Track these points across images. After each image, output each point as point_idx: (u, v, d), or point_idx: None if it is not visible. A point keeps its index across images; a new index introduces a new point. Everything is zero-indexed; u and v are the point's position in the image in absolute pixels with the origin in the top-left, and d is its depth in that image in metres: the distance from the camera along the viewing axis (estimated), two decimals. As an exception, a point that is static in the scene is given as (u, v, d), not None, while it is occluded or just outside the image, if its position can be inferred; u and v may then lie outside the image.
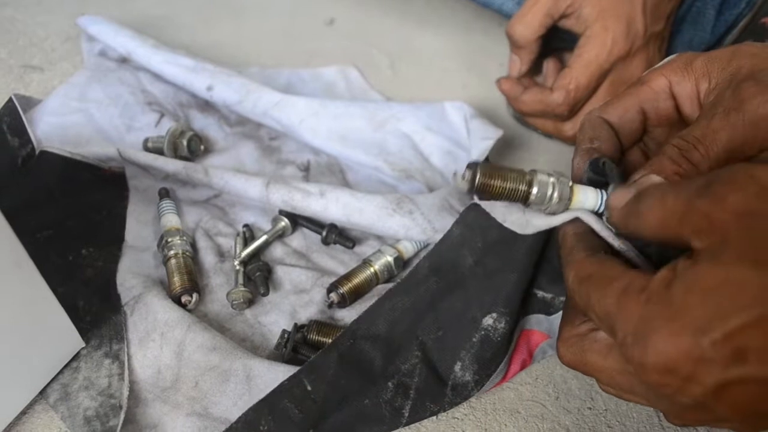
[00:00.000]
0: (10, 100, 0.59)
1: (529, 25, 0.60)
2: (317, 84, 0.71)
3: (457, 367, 0.44)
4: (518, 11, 0.60)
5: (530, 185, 0.38)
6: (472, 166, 0.38)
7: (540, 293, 0.49)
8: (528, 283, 0.45)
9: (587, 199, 0.39)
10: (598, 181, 0.39)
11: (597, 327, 0.37)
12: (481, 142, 0.57)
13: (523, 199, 0.39)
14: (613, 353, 0.35)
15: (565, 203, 0.39)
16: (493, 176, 0.38)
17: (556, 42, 0.64)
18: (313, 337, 0.48)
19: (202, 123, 0.65)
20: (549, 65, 0.65)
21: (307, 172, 0.61)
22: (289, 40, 0.78)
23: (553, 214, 0.40)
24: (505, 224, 0.42)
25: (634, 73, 0.59)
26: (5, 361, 0.40)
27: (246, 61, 0.74)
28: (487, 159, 0.55)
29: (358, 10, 0.83)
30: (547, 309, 0.50)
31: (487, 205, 0.43)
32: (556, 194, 0.38)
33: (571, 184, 0.39)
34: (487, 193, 0.39)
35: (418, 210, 0.53)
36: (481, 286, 0.44)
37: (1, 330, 0.38)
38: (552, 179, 0.38)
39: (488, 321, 0.44)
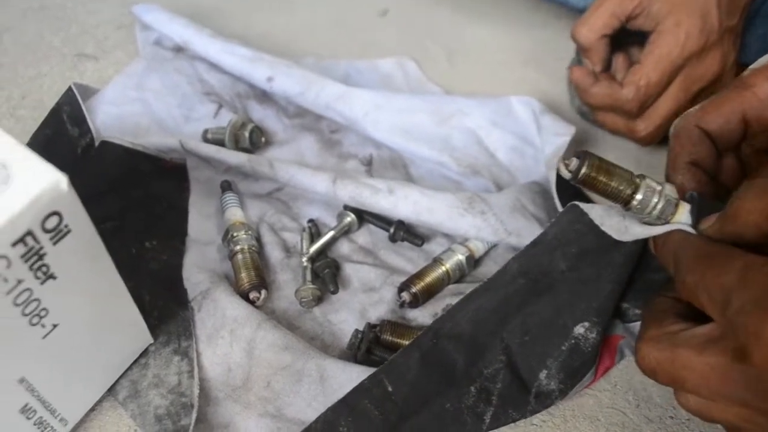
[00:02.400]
0: (70, 89, 0.58)
1: (593, 27, 0.58)
2: (374, 76, 0.69)
3: (543, 374, 0.42)
4: (584, 13, 0.58)
5: (636, 190, 0.37)
6: (582, 155, 0.37)
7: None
8: (621, 293, 0.43)
9: (686, 217, 0.38)
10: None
11: (691, 326, 0.35)
12: (554, 138, 0.55)
13: (624, 202, 0.38)
14: (711, 347, 0.33)
15: (667, 218, 0.37)
16: (600, 170, 0.37)
17: (625, 36, 0.62)
18: (387, 337, 0.46)
19: (261, 114, 0.63)
20: (618, 60, 0.62)
21: (369, 166, 0.59)
22: (343, 31, 0.77)
23: (650, 224, 0.38)
24: (602, 227, 0.40)
25: (708, 69, 0.57)
26: (79, 356, 0.39)
27: (300, 51, 0.72)
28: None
29: (411, 1, 0.81)
30: (622, 317, 0.48)
31: (586, 207, 0.41)
32: (660, 205, 0.37)
33: (677, 198, 0.37)
34: (589, 185, 0.37)
35: (490, 210, 0.51)
36: (574, 294, 0.42)
37: (77, 324, 0.37)
38: (659, 188, 0.37)
39: (579, 330, 0.42)
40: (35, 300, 0.33)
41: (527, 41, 0.77)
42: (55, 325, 0.35)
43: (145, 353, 0.45)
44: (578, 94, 0.60)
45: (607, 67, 0.62)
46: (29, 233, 0.31)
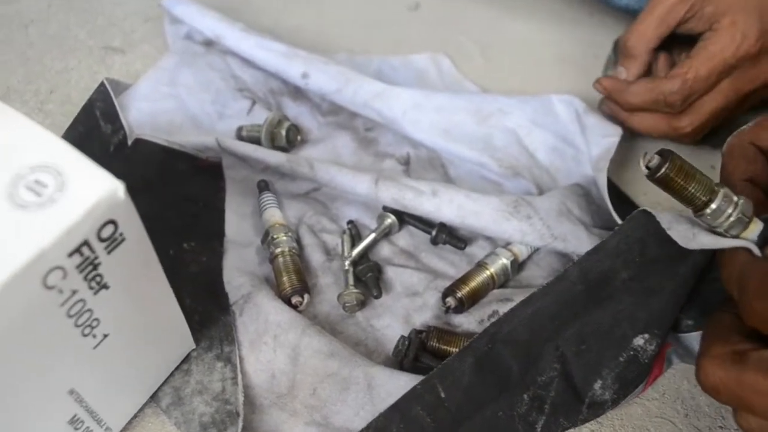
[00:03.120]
0: (102, 84, 0.57)
1: (643, 35, 0.56)
2: (408, 72, 0.68)
3: (597, 385, 0.41)
4: (634, 21, 0.57)
5: (712, 197, 0.36)
6: (666, 153, 0.36)
7: None
8: (682, 305, 0.42)
9: (756, 235, 0.37)
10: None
11: (759, 347, 0.34)
12: (601, 139, 0.54)
13: (697, 209, 0.36)
14: None
15: (738, 231, 0.36)
16: (681, 172, 0.36)
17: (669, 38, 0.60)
18: (434, 344, 0.45)
19: (295, 111, 0.62)
20: (660, 60, 0.61)
21: (407, 166, 0.58)
22: (374, 26, 0.75)
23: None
24: (669, 231, 0.39)
25: (762, 72, 0.55)
26: (125, 364, 0.38)
27: (330, 46, 0.71)
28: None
29: (442, -5, 0.79)
30: (674, 326, 0.47)
31: (655, 212, 0.40)
32: (733, 218, 0.36)
33: (751, 215, 0.36)
34: (665, 185, 0.36)
35: (536, 215, 0.49)
36: (636, 304, 0.41)
37: (126, 333, 0.36)
38: (736, 199, 0.36)
39: (639, 342, 0.41)
40: (88, 310, 0.32)
41: (562, 37, 0.76)
42: (105, 335, 0.35)
43: (187, 359, 0.44)
44: (613, 98, 0.59)
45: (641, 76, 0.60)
46: (85, 243, 0.30)
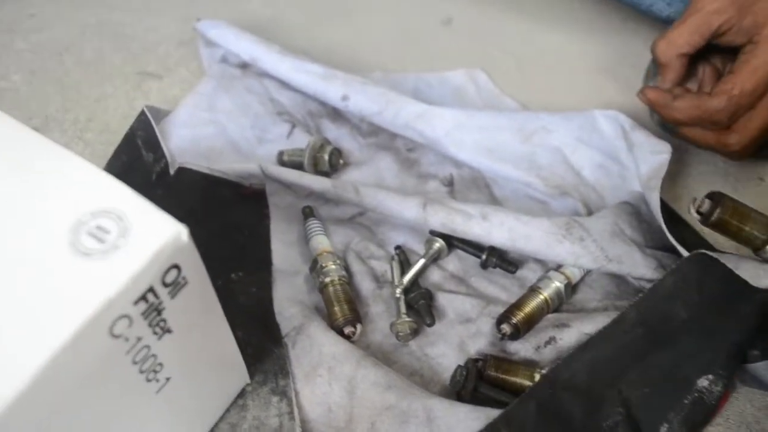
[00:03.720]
0: (143, 113, 0.57)
1: (673, 43, 0.55)
2: (445, 89, 0.67)
3: (664, 428, 0.40)
4: (669, 28, 0.56)
5: None
6: (717, 197, 0.34)
7: None
8: (750, 342, 0.41)
9: None
10: None
11: None
12: (651, 156, 0.52)
13: (756, 248, 0.35)
14: None
15: None
16: (735, 214, 0.35)
17: (713, 49, 0.59)
18: (492, 373, 0.44)
19: (335, 134, 0.61)
20: (705, 71, 0.59)
21: (451, 187, 0.57)
22: (407, 42, 0.74)
23: None
24: (738, 271, 0.37)
25: None
26: (185, 404, 0.38)
27: (365, 64, 0.70)
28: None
29: (474, 8, 0.78)
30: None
31: (716, 255, 0.39)
32: None
33: None
34: (720, 229, 0.35)
35: (589, 237, 0.48)
36: (697, 345, 0.40)
37: (187, 374, 0.36)
38: None
39: (703, 383, 0.40)
40: (152, 356, 0.32)
41: (596, 47, 0.74)
42: (168, 379, 0.34)
43: (242, 394, 0.44)
44: (657, 111, 0.57)
45: (679, 84, 0.59)
46: (150, 290, 0.29)
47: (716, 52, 0.58)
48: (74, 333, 0.26)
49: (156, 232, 0.29)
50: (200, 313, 0.34)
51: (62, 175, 0.31)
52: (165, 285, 0.30)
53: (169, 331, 0.32)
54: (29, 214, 0.30)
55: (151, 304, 0.30)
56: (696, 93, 0.56)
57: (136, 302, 0.29)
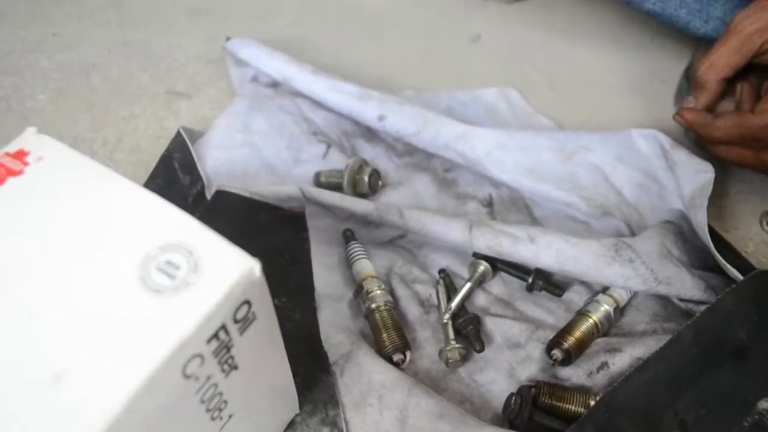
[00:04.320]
0: (179, 134, 0.56)
1: (714, 65, 0.54)
2: (478, 107, 0.66)
3: None
4: (708, 52, 0.55)
5: None
6: None
7: None
8: None
9: None
10: None
11: None
12: (694, 175, 0.52)
13: None
14: None
15: None
16: None
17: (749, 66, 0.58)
18: (545, 400, 0.43)
19: (371, 153, 0.61)
20: (744, 89, 0.59)
21: (491, 207, 0.57)
22: (436, 59, 0.74)
23: None
24: None
25: None
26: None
27: (395, 82, 0.70)
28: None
29: (502, 25, 0.78)
30: None
31: None
32: None
33: None
34: None
35: (638, 258, 0.47)
36: (756, 366, 0.39)
37: (248, 410, 0.35)
38: None
39: (764, 405, 0.39)
40: (218, 394, 0.31)
41: (626, 63, 0.74)
42: (230, 416, 0.33)
43: (291, 425, 0.43)
44: (697, 132, 0.57)
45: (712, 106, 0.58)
46: (222, 327, 0.28)
47: (753, 70, 0.57)
48: (148, 376, 0.26)
49: (228, 267, 0.29)
50: (265, 347, 0.33)
51: (125, 207, 0.31)
52: (236, 322, 0.29)
53: (236, 367, 0.31)
54: (95, 251, 0.29)
55: (222, 341, 0.29)
56: (736, 111, 0.56)
57: (209, 341, 0.28)
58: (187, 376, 0.28)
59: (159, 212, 0.30)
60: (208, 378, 0.29)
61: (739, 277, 0.46)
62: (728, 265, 0.47)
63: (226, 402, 0.32)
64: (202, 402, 0.30)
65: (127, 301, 0.27)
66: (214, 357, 0.29)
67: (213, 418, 0.32)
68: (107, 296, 0.27)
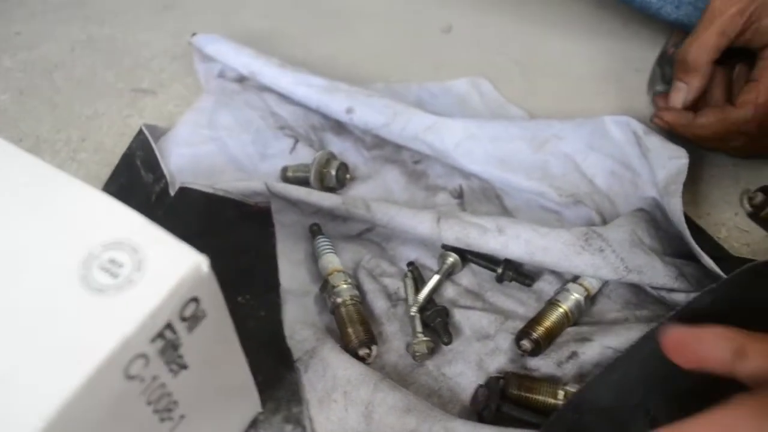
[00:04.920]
0: (141, 132, 0.55)
1: (704, 46, 0.53)
2: (449, 98, 0.65)
3: None
4: (691, 34, 0.54)
5: None
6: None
7: None
8: None
9: None
10: None
11: None
12: (668, 161, 0.51)
13: None
14: None
15: None
16: None
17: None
18: (514, 392, 0.43)
19: (339, 147, 0.60)
20: (716, 77, 0.58)
21: (461, 199, 0.56)
22: (407, 51, 0.73)
23: None
24: None
25: None
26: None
27: (366, 74, 0.69)
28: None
29: (474, 15, 0.77)
30: None
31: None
32: None
33: None
34: None
35: (609, 247, 0.47)
36: None
37: (201, 410, 0.34)
38: None
39: None
40: (167, 395, 0.30)
41: (599, 52, 0.73)
42: (182, 417, 0.32)
43: (254, 424, 0.42)
44: (679, 132, 0.56)
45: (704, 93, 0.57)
46: (168, 326, 0.28)
47: (724, 56, 0.57)
48: (87, 377, 0.25)
49: (174, 264, 0.28)
50: (217, 346, 0.32)
51: (67, 204, 0.30)
52: (183, 320, 0.28)
53: (185, 367, 0.30)
54: (35, 249, 0.28)
55: (168, 340, 0.28)
56: (717, 106, 0.55)
57: (153, 340, 0.27)
58: (130, 377, 0.27)
59: (103, 210, 0.29)
60: (155, 378, 0.28)
61: (714, 267, 0.45)
62: (704, 255, 0.46)
63: (176, 403, 0.31)
64: (149, 403, 0.29)
65: (68, 301, 0.26)
66: (161, 357, 0.28)
67: (162, 420, 0.31)
68: (47, 296, 0.27)
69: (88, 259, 0.28)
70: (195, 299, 0.28)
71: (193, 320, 0.29)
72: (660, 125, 0.56)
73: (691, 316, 0.40)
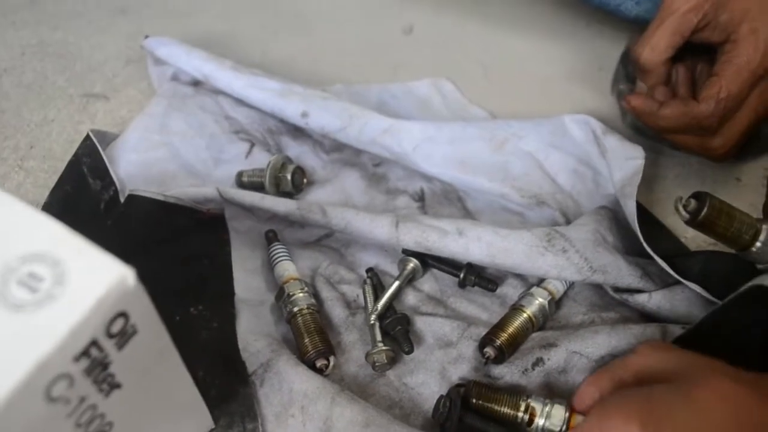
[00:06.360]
0: (88, 137, 0.53)
1: (656, 47, 0.53)
2: (410, 100, 0.64)
3: None
4: (644, 33, 0.54)
5: (756, 235, 0.34)
6: (702, 196, 0.33)
7: None
8: None
9: None
10: None
11: None
12: (625, 162, 0.50)
13: (742, 247, 0.34)
14: None
15: None
16: (721, 213, 0.34)
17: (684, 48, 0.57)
18: (475, 401, 0.41)
19: (297, 151, 0.58)
20: (679, 71, 0.57)
21: (422, 202, 0.54)
22: (368, 52, 0.71)
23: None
24: None
25: None
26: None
27: (326, 77, 0.67)
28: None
29: (436, 16, 0.76)
30: None
31: None
32: None
33: None
34: (707, 229, 0.34)
35: (572, 247, 0.46)
36: None
37: (142, 428, 0.32)
38: None
39: None
40: (99, 416, 0.28)
41: (563, 51, 0.73)
42: (120, 438, 0.30)
43: (206, 441, 0.40)
44: (643, 120, 0.55)
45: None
46: (93, 343, 0.26)
47: (687, 51, 0.56)
48: (3, 401, 0.23)
49: (97, 278, 0.26)
50: (153, 362, 0.30)
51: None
52: (110, 336, 0.26)
53: (117, 386, 0.28)
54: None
55: (94, 359, 0.26)
56: (682, 99, 0.54)
57: (77, 359, 0.25)
58: (52, 399, 0.25)
59: (22, 220, 0.27)
60: (83, 400, 0.27)
61: (667, 267, 0.44)
62: (657, 257, 0.45)
63: (110, 424, 0.29)
64: (78, 426, 0.27)
65: (-19, 319, 0.24)
66: (87, 376, 0.26)
67: (96, 443, 0.29)
68: (-42, 315, 0.24)
69: (4, 273, 0.26)
70: (123, 314, 0.26)
71: (122, 337, 0.27)
72: (626, 109, 0.55)
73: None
